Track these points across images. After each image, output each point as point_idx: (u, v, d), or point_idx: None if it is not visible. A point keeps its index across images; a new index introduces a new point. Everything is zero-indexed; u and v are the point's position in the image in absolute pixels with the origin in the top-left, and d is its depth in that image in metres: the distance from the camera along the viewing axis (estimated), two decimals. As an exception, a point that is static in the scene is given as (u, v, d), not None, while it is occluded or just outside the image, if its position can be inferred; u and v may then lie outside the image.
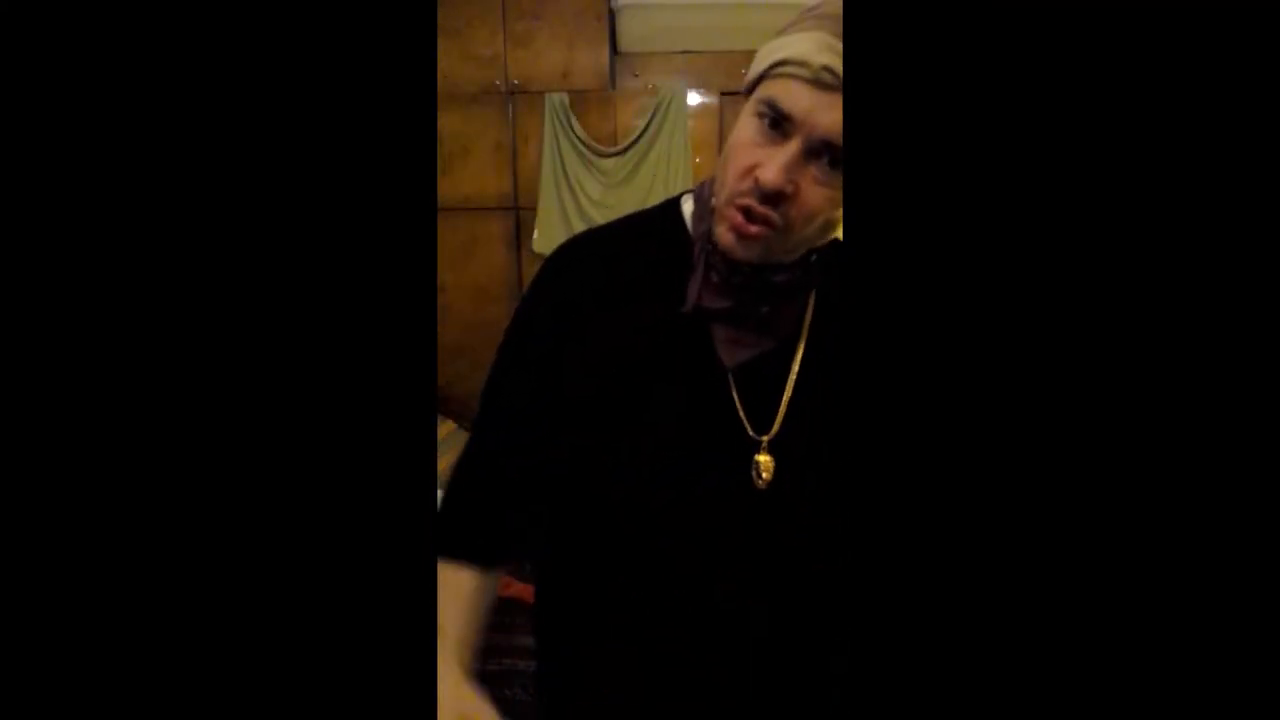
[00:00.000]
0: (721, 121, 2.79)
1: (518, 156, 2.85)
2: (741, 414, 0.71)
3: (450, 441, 2.61)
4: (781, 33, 0.64)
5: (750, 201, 0.64)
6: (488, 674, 1.95)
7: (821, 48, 0.60)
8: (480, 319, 2.91)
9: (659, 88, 2.78)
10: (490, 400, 0.78)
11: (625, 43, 2.86)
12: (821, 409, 0.72)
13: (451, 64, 2.80)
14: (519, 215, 2.90)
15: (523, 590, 2.36)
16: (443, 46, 2.77)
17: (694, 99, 2.79)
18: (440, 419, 2.68)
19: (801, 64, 0.60)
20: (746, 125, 0.65)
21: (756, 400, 0.72)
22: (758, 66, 0.65)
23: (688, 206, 0.76)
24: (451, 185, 2.87)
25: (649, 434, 0.71)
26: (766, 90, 0.63)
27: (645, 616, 0.71)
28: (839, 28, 0.60)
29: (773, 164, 0.62)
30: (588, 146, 2.78)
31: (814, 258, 0.71)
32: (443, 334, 2.87)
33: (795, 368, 0.73)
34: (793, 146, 0.62)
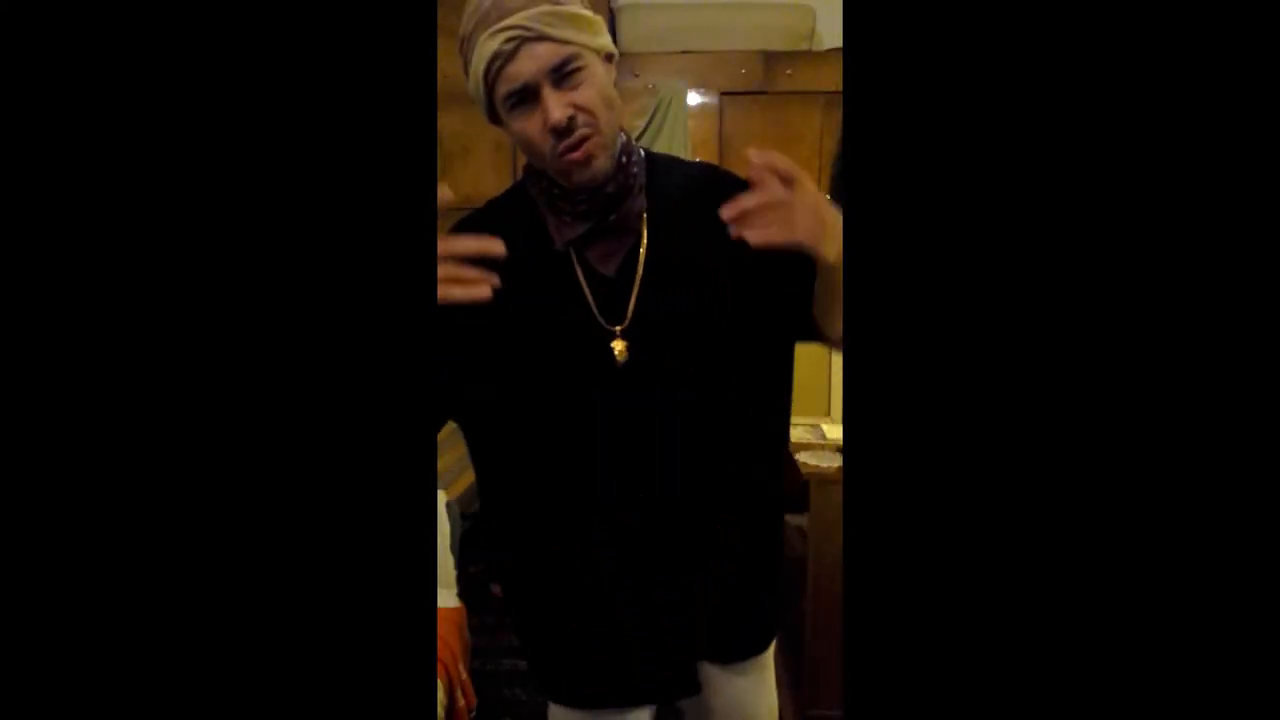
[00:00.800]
0: (721, 121, 2.79)
1: (518, 156, 2.85)
2: (596, 314, 0.88)
3: (451, 441, 2.60)
4: (467, 65, 0.83)
5: (562, 145, 0.81)
6: (486, 673, 1.95)
7: (493, 38, 0.78)
8: (480, 319, 2.91)
9: (659, 87, 2.78)
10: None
11: (625, 42, 2.85)
12: (668, 297, 0.89)
13: (452, 64, 2.80)
14: (519, 215, 2.90)
15: (522, 590, 2.35)
16: (443, 47, 2.75)
17: (694, 99, 2.79)
18: (440, 419, 2.67)
19: (496, 56, 0.79)
20: (517, 121, 0.82)
21: (615, 301, 0.88)
22: (482, 93, 0.83)
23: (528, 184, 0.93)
24: (451, 185, 2.86)
25: (530, 354, 0.88)
26: (499, 93, 0.81)
27: (542, 479, 0.91)
28: (490, 20, 0.78)
29: (555, 110, 0.79)
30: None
31: (624, 159, 0.87)
32: (442, 333, 2.86)
33: (640, 268, 0.89)
34: (546, 92, 0.79)
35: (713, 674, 0.99)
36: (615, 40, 2.92)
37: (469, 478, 2.45)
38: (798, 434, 2.01)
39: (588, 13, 0.81)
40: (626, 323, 0.88)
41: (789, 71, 2.79)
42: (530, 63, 0.79)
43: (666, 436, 0.90)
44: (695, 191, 0.93)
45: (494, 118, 0.85)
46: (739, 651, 1.01)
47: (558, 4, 0.79)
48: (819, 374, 2.84)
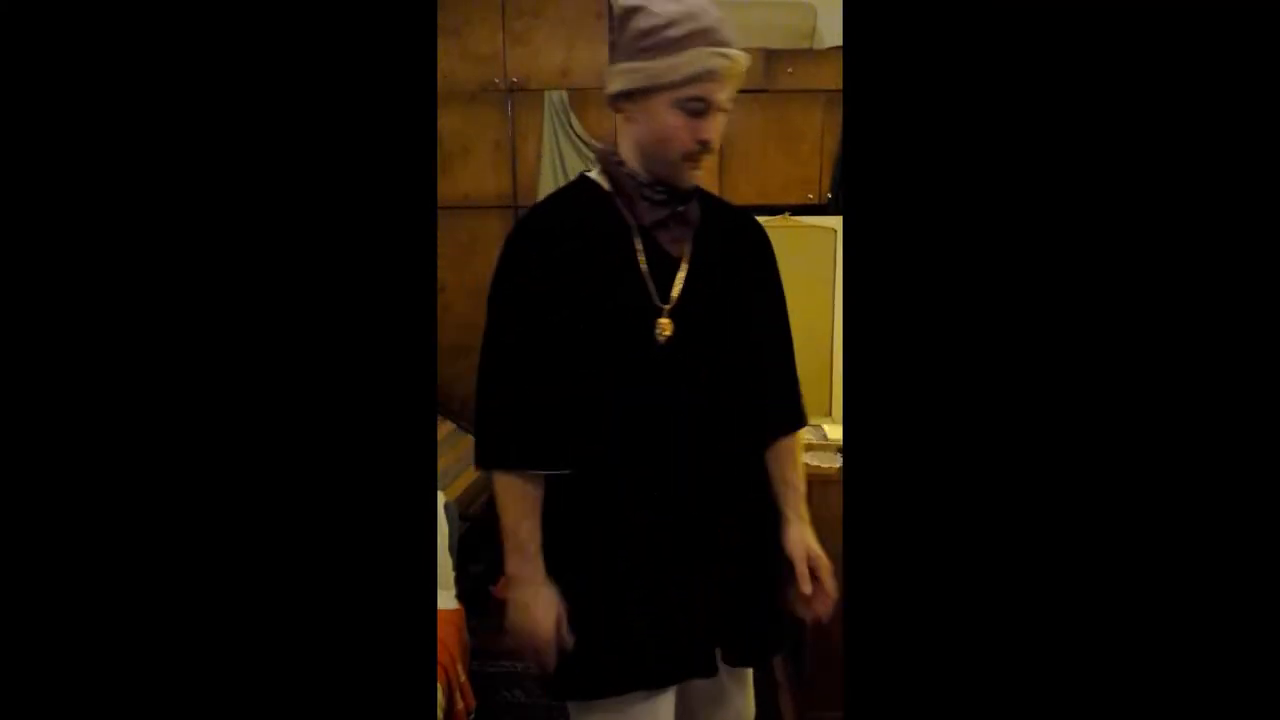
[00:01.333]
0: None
1: (517, 155, 2.85)
2: (652, 291, 1.02)
3: (450, 441, 2.60)
4: (656, 54, 0.97)
5: (700, 154, 1.01)
6: (485, 675, 1.94)
7: (711, 59, 0.98)
8: (480, 319, 2.90)
9: (659, 86, 2.78)
10: (499, 340, 1.06)
11: (625, 41, 2.85)
12: (710, 283, 1.05)
13: (451, 63, 2.79)
14: (518, 214, 2.90)
15: (522, 590, 2.34)
16: (442, 45, 2.76)
17: (694, 98, 2.79)
18: (440, 419, 2.67)
19: (710, 71, 0.98)
20: (670, 116, 0.99)
21: (665, 284, 1.03)
22: (658, 80, 0.98)
23: (592, 174, 1.09)
24: (450, 184, 2.86)
25: (596, 324, 1.01)
26: (686, 93, 0.98)
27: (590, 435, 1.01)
28: (712, 37, 0.98)
29: (711, 131, 1.01)
30: (587, 144, 2.78)
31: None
32: (442, 334, 2.86)
33: (686, 257, 1.05)
34: (715, 117, 1.01)
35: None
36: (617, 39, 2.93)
37: (468, 478, 2.45)
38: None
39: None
40: (673, 303, 1.02)
41: (790, 70, 2.78)
42: (723, 91, 1.00)
43: (691, 428, 1.02)
44: (724, 212, 1.14)
45: (627, 96, 1.01)
46: (744, 656, 1.10)
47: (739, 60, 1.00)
48: (821, 374, 2.84)
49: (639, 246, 1.03)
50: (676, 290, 1.03)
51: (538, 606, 0.99)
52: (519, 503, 1.00)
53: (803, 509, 1.10)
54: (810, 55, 2.80)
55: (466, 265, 2.90)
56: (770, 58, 2.76)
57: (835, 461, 1.77)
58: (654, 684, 1.01)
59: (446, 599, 1.77)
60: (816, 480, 1.73)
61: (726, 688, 1.12)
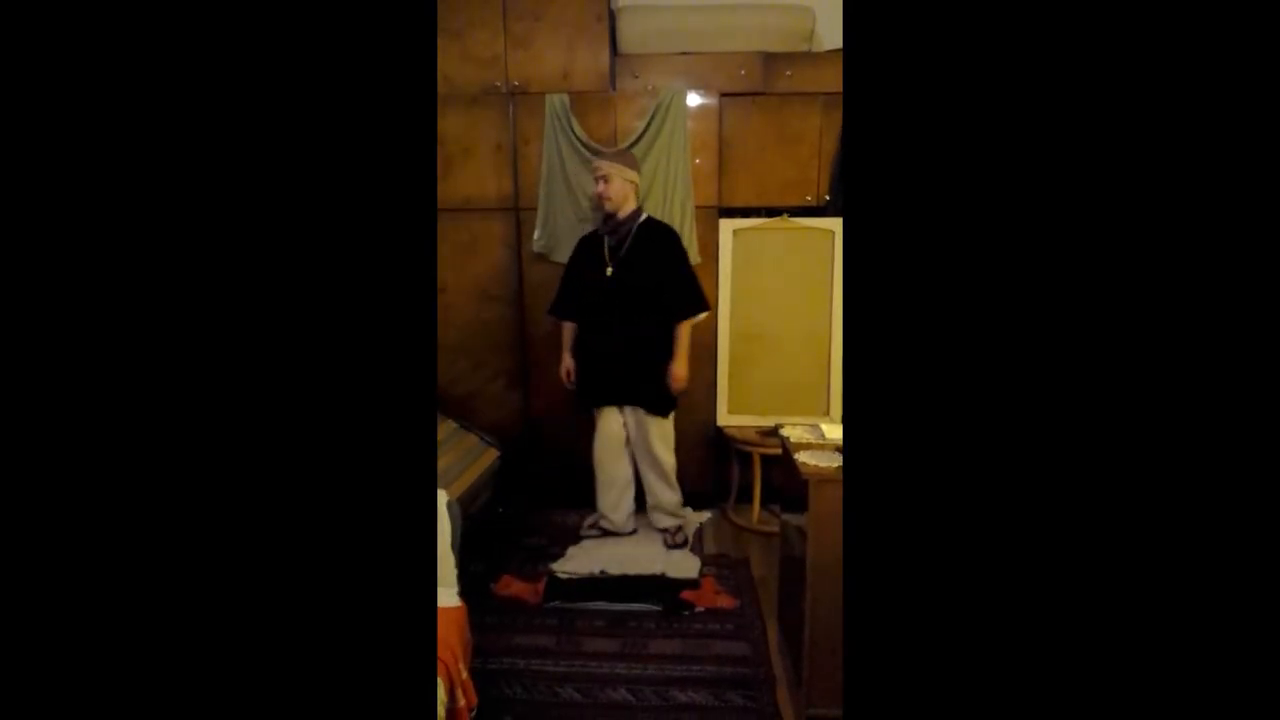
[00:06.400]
0: (721, 122, 2.80)
1: (518, 157, 2.86)
2: (608, 263, 2.68)
3: (451, 441, 2.61)
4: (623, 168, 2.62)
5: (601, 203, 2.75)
6: (487, 673, 1.95)
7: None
8: (480, 319, 2.91)
9: (660, 89, 2.79)
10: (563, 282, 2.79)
11: (625, 44, 2.86)
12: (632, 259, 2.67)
13: (452, 66, 2.80)
14: (519, 216, 2.90)
15: (522, 590, 2.36)
16: (443, 48, 2.77)
17: (694, 100, 2.80)
18: (440, 419, 2.67)
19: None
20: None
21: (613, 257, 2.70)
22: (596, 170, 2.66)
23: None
24: (452, 186, 2.87)
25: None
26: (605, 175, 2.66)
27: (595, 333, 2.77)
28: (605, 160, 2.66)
29: (602, 193, 2.72)
30: (587, 147, 2.79)
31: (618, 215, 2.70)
32: (443, 334, 2.87)
33: (624, 250, 2.67)
34: (603, 188, 2.68)
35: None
36: (615, 41, 2.95)
37: (470, 477, 2.45)
38: (797, 433, 2.02)
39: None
40: (615, 267, 2.61)
41: (788, 72, 2.79)
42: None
43: (625, 308, 2.64)
44: (652, 228, 2.66)
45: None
46: (646, 407, 2.73)
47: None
48: (819, 375, 2.85)
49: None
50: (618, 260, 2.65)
51: (567, 359, 2.71)
52: (567, 331, 2.72)
53: (681, 352, 2.65)
54: (809, 58, 2.82)
55: (466, 266, 2.91)
56: (768, 60, 2.78)
57: (834, 461, 1.78)
58: (600, 404, 2.73)
59: (449, 597, 1.78)
60: (815, 480, 1.73)
61: (644, 420, 2.69)
